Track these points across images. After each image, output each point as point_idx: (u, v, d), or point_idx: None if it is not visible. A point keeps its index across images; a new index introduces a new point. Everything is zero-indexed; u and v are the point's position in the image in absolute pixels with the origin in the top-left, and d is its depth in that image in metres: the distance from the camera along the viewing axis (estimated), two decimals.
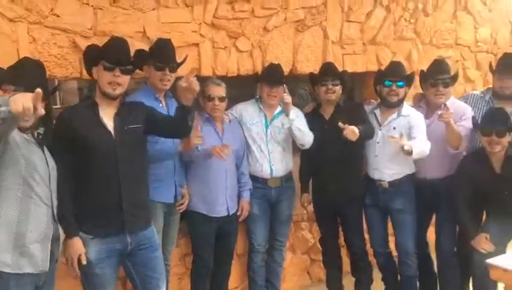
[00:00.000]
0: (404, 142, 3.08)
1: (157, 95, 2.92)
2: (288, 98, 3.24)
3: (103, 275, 2.43)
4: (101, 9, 3.01)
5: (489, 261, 1.78)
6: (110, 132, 2.41)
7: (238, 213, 3.36)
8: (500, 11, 5.17)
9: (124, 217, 2.42)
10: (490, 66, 3.64)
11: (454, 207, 3.23)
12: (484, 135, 3.04)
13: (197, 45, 3.37)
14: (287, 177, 3.52)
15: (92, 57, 2.45)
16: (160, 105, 2.93)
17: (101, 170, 2.39)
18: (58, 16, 2.86)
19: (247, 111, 3.45)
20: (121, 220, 2.42)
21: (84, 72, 2.94)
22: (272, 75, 3.36)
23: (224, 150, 2.98)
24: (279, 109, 3.46)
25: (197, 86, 2.48)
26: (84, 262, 2.37)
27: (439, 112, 3.15)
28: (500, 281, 1.77)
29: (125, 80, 2.42)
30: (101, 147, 2.37)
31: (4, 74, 2.27)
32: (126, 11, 3.09)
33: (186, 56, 3.09)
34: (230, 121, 3.34)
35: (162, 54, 2.87)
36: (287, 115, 3.28)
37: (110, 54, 2.39)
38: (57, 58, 2.88)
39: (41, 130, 2.21)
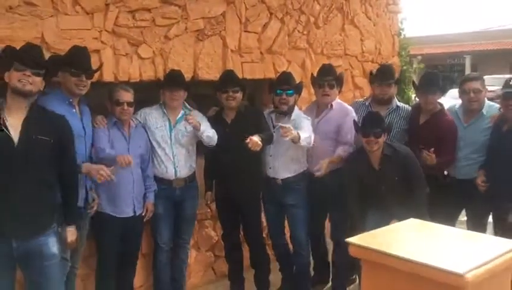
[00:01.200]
0: (293, 131, 3.36)
1: (71, 100, 3.00)
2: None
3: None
4: None
5: (348, 239, 2.11)
6: (11, 138, 2.43)
7: (143, 214, 3.50)
8: (383, 25, 5.77)
9: (13, 222, 2.44)
10: (370, 75, 4.13)
11: (346, 202, 3.58)
12: (364, 136, 3.45)
13: (98, 51, 3.45)
14: (191, 178, 3.71)
15: (4, 62, 2.50)
16: (74, 110, 3.02)
17: None
18: None
19: (152, 115, 3.60)
20: (9, 224, 2.44)
21: None
22: (173, 79, 3.55)
23: (126, 160, 3.14)
24: (181, 113, 3.65)
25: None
26: None
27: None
28: (357, 256, 2.10)
29: (36, 80, 2.48)
30: None
31: None
32: (23, 17, 3.10)
33: (102, 64, 3.27)
34: (136, 126, 3.47)
35: (79, 60, 2.97)
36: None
37: (22, 57, 2.47)
38: None
39: None
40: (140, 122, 3.56)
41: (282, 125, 3.41)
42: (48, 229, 2.59)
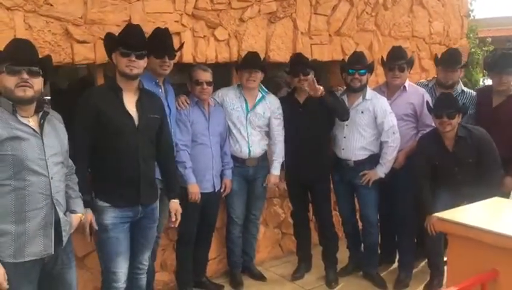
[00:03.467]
0: (373, 175, 3.68)
1: (157, 80, 3.19)
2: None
3: (117, 239, 2.70)
4: None
5: (435, 214, 2.16)
6: (133, 119, 2.70)
7: (221, 190, 3.67)
8: (452, 6, 5.64)
9: (141, 192, 2.74)
10: (435, 58, 4.09)
11: (416, 184, 3.60)
12: (437, 117, 3.43)
13: (178, 34, 3.62)
14: (263, 158, 3.85)
15: (110, 44, 2.74)
16: (160, 90, 3.20)
17: (122, 151, 2.68)
18: (51, 5, 3.05)
19: (228, 96, 3.73)
20: (137, 195, 2.73)
21: (76, 58, 3.20)
22: (251, 61, 3.67)
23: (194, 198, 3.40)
24: (259, 95, 3.76)
25: None
26: (95, 227, 2.65)
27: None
28: (443, 231, 2.16)
29: (140, 63, 2.69)
30: (124, 132, 2.67)
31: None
32: (114, 1, 3.30)
33: (183, 43, 3.43)
34: (214, 105, 3.62)
35: (162, 43, 3.13)
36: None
37: (125, 41, 2.68)
38: (51, 45, 3.07)
39: (47, 111, 2.29)
40: (218, 102, 3.71)
41: (363, 173, 3.72)
42: (158, 195, 2.96)
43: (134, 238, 2.84)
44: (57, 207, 2.25)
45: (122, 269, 2.71)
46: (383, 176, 3.67)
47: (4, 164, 2.09)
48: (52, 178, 2.22)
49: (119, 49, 2.67)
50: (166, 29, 3.27)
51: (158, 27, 3.28)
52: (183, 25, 3.65)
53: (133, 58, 2.66)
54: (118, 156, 2.68)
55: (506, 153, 3.53)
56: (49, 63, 2.35)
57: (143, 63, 2.74)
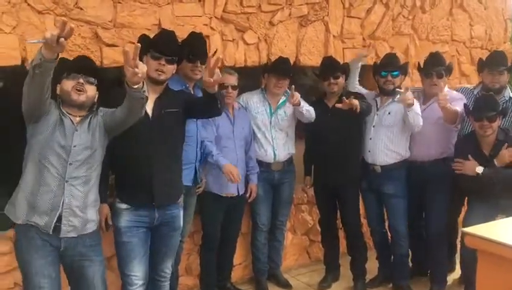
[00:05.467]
0: (409, 94, 3.33)
1: (187, 85, 3.15)
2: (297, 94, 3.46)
3: (130, 244, 2.68)
4: (120, 3, 3.26)
5: (465, 229, 2.05)
6: (148, 114, 2.64)
7: (247, 195, 3.62)
8: (495, 9, 5.40)
9: (154, 192, 2.66)
10: (479, 62, 3.87)
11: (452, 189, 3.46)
12: (476, 120, 3.25)
13: (207, 37, 3.61)
14: (289, 162, 3.79)
15: (143, 46, 2.64)
16: None
17: (136, 148, 2.65)
18: (81, 9, 3.11)
19: (253, 100, 3.70)
20: (151, 195, 2.66)
21: (104, 61, 3.24)
22: (281, 67, 3.62)
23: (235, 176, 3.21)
24: (282, 98, 3.72)
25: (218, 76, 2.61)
26: (109, 222, 2.69)
27: (438, 98, 3.38)
28: (473, 247, 2.03)
29: (169, 68, 2.70)
30: (137, 128, 2.54)
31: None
32: (143, 4, 3.34)
33: (216, 50, 3.40)
34: (239, 108, 3.60)
35: (195, 47, 3.12)
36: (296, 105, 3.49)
37: (157, 44, 2.69)
38: (81, 48, 3.12)
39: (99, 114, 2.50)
40: (242, 106, 3.68)
41: (399, 90, 3.43)
42: (179, 199, 2.86)
43: (155, 246, 2.81)
44: (65, 191, 2.34)
45: (137, 272, 2.70)
46: (412, 103, 3.36)
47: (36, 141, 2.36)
48: (70, 164, 2.35)
49: (151, 52, 2.67)
50: (201, 34, 3.26)
51: (193, 31, 3.28)
52: (212, 28, 3.65)
53: (163, 62, 2.66)
54: (132, 154, 2.66)
55: None
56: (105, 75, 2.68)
57: (172, 68, 2.74)
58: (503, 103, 3.61)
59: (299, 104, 3.48)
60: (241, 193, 3.53)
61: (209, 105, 2.71)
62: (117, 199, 2.72)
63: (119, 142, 2.59)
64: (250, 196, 3.62)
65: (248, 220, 3.89)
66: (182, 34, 3.22)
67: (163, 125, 2.71)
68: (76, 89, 2.39)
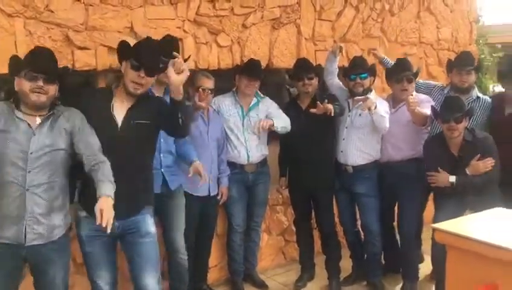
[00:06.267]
0: (372, 100, 3.40)
1: (154, 91, 3.04)
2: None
3: (92, 254, 2.60)
4: (91, 5, 3.23)
5: (434, 226, 2.12)
6: (117, 124, 2.54)
7: (218, 197, 3.64)
8: (461, 12, 5.57)
9: (116, 202, 2.38)
10: (448, 62, 4.00)
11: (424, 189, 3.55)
12: (444, 122, 3.34)
13: (180, 40, 3.61)
14: (262, 163, 3.83)
15: (124, 52, 2.59)
16: None
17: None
18: (52, 12, 3.07)
19: (225, 103, 3.73)
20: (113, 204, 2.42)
21: (77, 64, 3.21)
22: (252, 69, 3.65)
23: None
24: (254, 100, 3.75)
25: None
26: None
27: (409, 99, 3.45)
28: (443, 242, 2.10)
29: (148, 81, 2.55)
30: (103, 137, 2.48)
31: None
32: (115, 7, 3.32)
33: (189, 56, 3.39)
34: (213, 111, 3.61)
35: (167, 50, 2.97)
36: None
37: (139, 54, 2.52)
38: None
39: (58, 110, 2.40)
40: (214, 109, 3.70)
41: (357, 98, 3.47)
42: (144, 207, 2.68)
43: (127, 255, 2.69)
44: (27, 200, 2.29)
45: (103, 278, 2.64)
46: (373, 107, 3.39)
47: None
48: (29, 172, 2.28)
49: (131, 60, 2.52)
50: (174, 38, 3.21)
51: (168, 34, 3.25)
52: (185, 31, 3.65)
53: (142, 74, 2.51)
54: None
55: None
56: (66, 74, 2.52)
57: (151, 80, 2.62)
58: (471, 102, 3.74)
59: (272, 127, 3.55)
60: (212, 193, 3.54)
61: (172, 119, 2.53)
62: (80, 206, 2.64)
63: None
64: (221, 197, 3.64)
65: (223, 222, 3.91)
66: (154, 37, 3.19)
67: (132, 137, 2.56)
68: (35, 92, 2.28)
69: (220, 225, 3.87)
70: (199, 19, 3.71)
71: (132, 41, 3.15)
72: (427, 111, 3.52)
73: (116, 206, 2.37)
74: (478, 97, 3.83)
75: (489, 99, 3.88)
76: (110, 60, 3.26)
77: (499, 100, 3.83)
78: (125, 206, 2.50)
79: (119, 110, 2.58)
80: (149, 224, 2.69)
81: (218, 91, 3.73)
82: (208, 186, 3.49)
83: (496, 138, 3.40)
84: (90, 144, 2.43)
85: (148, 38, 2.84)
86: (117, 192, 2.35)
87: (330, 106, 3.42)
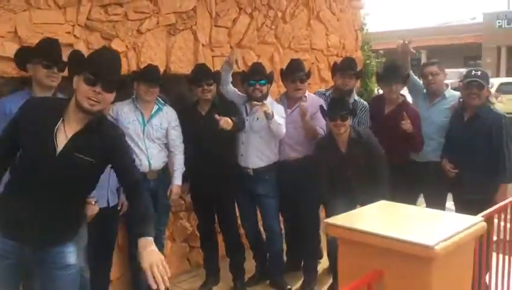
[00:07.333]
0: (268, 106, 3.58)
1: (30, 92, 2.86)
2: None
3: None
4: None
5: (326, 220, 2.26)
6: (55, 150, 2.18)
7: (118, 208, 3.54)
8: (347, 21, 5.98)
9: (29, 230, 2.21)
10: (332, 67, 4.32)
11: (318, 181, 3.73)
12: (331, 120, 3.60)
13: (71, 45, 3.46)
14: (164, 170, 3.79)
15: (76, 64, 2.27)
16: None
17: (27, 178, 2.23)
18: None
19: (123, 111, 3.64)
20: (26, 231, 2.22)
21: None
22: (150, 75, 3.61)
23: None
24: (155, 107, 3.71)
25: None
26: None
27: (301, 103, 3.72)
28: (334, 235, 2.26)
29: (106, 97, 2.18)
30: (36, 159, 2.20)
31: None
32: None
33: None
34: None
35: (49, 52, 2.90)
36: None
37: (94, 66, 2.16)
38: None
39: None
40: (112, 117, 3.60)
41: (255, 103, 3.59)
42: (66, 238, 2.36)
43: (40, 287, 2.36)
44: None
45: None
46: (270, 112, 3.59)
47: None
48: None
49: (85, 74, 2.15)
50: (56, 40, 3.08)
51: (46, 37, 3.10)
52: (75, 36, 3.51)
53: (99, 90, 2.15)
54: (23, 179, 2.24)
55: (397, 158, 3.78)
56: None
57: (110, 97, 2.23)
58: (352, 104, 4.05)
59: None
60: (112, 204, 3.45)
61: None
62: None
63: (20, 161, 2.25)
64: (121, 208, 3.55)
65: (125, 233, 3.80)
66: None
67: (69, 169, 2.20)
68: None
69: (120, 236, 3.76)
70: (90, 24, 3.58)
71: (13, 47, 2.99)
72: (319, 127, 3.79)
73: (28, 237, 2.18)
74: (355, 100, 4.17)
75: (365, 103, 4.23)
76: None
77: (379, 101, 4.19)
78: (40, 240, 2.24)
79: (63, 135, 2.20)
80: (69, 255, 2.35)
81: (114, 99, 3.63)
82: (107, 197, 3.38)
83: (377, 134, 3.73)
84: None
85: (105, 48, 2.48)
86: (34, 226, 2.14)
87: (229, 124, 3.52)
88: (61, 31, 3.41)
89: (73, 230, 2.41)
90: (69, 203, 2.30)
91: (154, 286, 1.88)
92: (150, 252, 2.03)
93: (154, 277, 1.91)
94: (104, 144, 2.25)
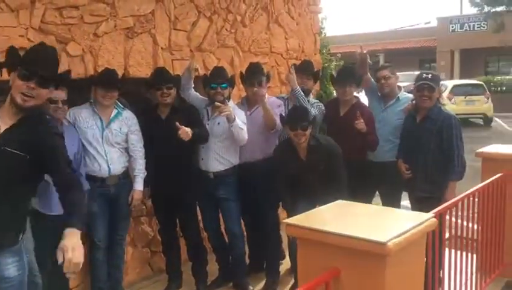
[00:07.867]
0: (228, 110, 3.61)
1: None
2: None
3: None
4: None
5: (285, 220, 2.30)
6: None
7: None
8: (305, 25, 6.08)
9: None
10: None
11: (277, 187, 3.78)
12: (291, 129, 3.64)
13: (24, 49, 3.36)
14: (124, 175, 3.74)
15: (11, 60, 2.23)
16: None
17: None
18: None
19: (81, 115, 3.58)
20: None
21: None
22: (108, 79, 3.56)
23: None
24: (114, 112, 3.66)
25: None
26: None
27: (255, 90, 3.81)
28: (293, 235, 2.30)
29: (41, 93, 2.16)
30: None
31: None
32: None
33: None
34: (68, 124, 3.45)
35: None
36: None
37: (28, 61, 2.15)
38: None
39: None
40: (69, 122, 3.53)
41: (218, 104, 3.60)
42: (3, 252, 2.25)
43: None
44: None
45: None
46: (232, 115, 3.65)
47: None
48: None
49: (20, 70, 2.15)
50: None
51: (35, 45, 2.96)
52: (29, 39, 3.41)
53: (33, 85, 2.14)
54: None
55: (354, 158, 3.88)
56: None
57: (45, 93, 2.21)
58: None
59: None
60: None
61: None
62: None
63: None
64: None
65: (84, 239, 3.71)
66: None
67: (1, 165, 2.14)
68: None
69: None
70: (45, 27, 3.50)
71: None
72: (277, 118, 3.82)
73: None
74: (309, 101, 4.25)
75: (321, 104, 4.33)
76: None
77: (334, 103, 4.30)
78: None
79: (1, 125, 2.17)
80: (9, 267, 2.27)
81: (71, 103, 3.57)
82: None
83: (335, 136, 3.84)
84: None
85: (42, 44, 2.42)
86: None
87: (188, 134, 3.53)
88: (14, 34, 3.32)
89: (9, 238, 2.27)
90: (5, 205, 2.19)
91: (60, 259, 1.94)
92: (71, 239, 2.05)
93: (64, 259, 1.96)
94: (34, 138, 2.19)
